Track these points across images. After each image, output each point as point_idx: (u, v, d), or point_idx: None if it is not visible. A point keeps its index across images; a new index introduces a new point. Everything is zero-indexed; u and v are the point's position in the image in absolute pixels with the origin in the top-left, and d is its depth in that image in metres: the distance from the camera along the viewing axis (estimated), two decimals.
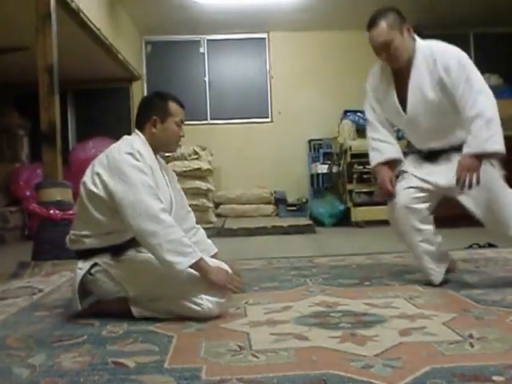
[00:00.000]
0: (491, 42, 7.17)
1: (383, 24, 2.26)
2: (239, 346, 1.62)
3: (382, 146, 2.50)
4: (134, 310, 1.98)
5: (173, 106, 2.15)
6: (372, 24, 2.28)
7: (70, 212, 3.63)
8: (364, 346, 1.58)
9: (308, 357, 1.50)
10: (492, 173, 2.22)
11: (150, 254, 1.95)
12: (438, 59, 2.25)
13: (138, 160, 1.95)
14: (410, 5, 6.26)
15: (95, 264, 2.01)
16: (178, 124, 2.16)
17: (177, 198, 2.20)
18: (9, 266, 3.36)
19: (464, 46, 7.05)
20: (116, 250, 2.02)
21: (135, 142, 2.06)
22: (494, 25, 6.95)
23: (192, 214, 2.36)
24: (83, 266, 2.02)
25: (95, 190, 1.96)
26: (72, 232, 2.07)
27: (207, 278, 1.91)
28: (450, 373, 1.33)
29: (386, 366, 1.39)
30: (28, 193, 5.89)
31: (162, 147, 2.18)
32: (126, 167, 1.92)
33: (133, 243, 2.02)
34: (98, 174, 1.96)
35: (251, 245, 4.76)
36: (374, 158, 2.52)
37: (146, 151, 2.06)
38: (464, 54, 2.26)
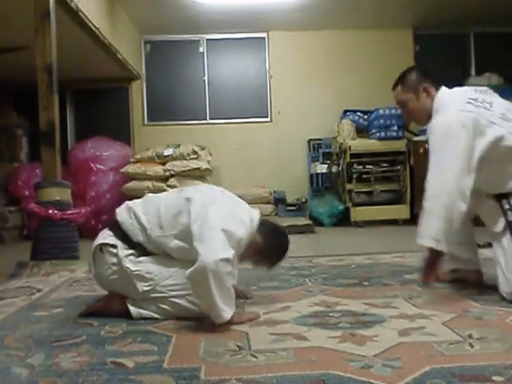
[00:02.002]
0: (491, 42, 7.17)
1: (399, 88, 2.40)
2: (238, 346, 1.61)
3: None
4: (132, 311, 1.98)
5: (273, 260, 2.18)
6: (393, 86, 2.43)
7: (69, 212, 3.63)
8: (363, 346, 1.58)
9: (307, 357, 1.50)
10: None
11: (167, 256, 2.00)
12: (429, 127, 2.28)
13: (241, 232, 1.95)
14: (410, 4, 6.28)
15: (114, 246, 2.01)
16: (260, 265, 2.18)
17: None
18: (7, 265, 3.36)
19: (464, 46, 7.06)
20: (139, 251, 2.03)
21: (254, 221, 2.07)
22: (494, 24, 6.96)
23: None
24: (106, 237, 2.05)
25: (193, 216, 1.93)
26: (136, 209, 2.07)
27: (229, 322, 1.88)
28: (450, 373, 1.33)
29: (386, 366, 1.39)
30: (27, 192, 5.88)
31: (242, 253, 2.08)
32: (231, 221, 1.92)
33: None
34: (210, 209, 1.93)
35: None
36: None
37: (248, 234, 2.03)
38: (442, 128, 2.16)
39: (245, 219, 2.02)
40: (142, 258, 2.02)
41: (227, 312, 1.83)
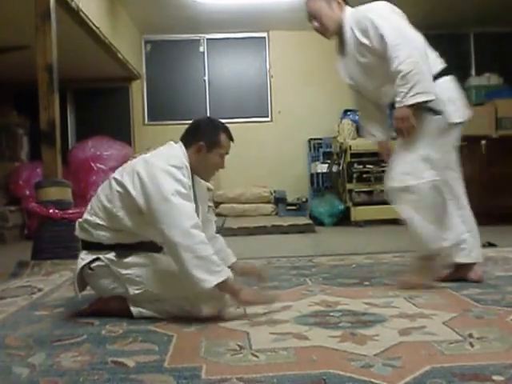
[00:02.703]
0: (491, 42, 7.17)
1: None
2: (239, 346, 1.61)
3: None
4: (133, 310, 1.98)
5: (223, 138, 2.12)
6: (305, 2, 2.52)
7: (70, 211, 3.63)
8: (364, 345, 1.58)
9: (308, 356, 1.50)
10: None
11: (156, 257, 2.00)
12: (356, 25, 2.38)
13: (183, 175, 1.94)
14: (410, 4, 6.26)
15: (97, 259, 2.00)
16: (222, 156, 2.15)
17: (203, 211, 2.18)
18: (8, 265, 3.36)
19: (464, 46, 7.05)
20: (121, 250, 2.01)
21: (182, 156, 2.03)
22: (494, 24, 6.96)
23: (213, 224, 2.36)
24: (85, 258, 2.03)
25: (132, 191, 1.93)
26: (85, 218, 2.07)
27: (236, 298, 1.91)
28: (450, 372, 1.33)
29: (386, 366, 1.39)
30: (27, 192, 5.89)
31: (197, 171, 2.13)
32: (169, 179, 1.90)
33: (139, 246, 2.03)
34: (139, 176, 1.93)
35: (251, 244, 4.75)
36: None
37: (188, 168, 2.03)
38: (379, 11, 2.35)
39: (178, 162, 1.98)
40: (128, 259, 1.99)
41: (208, 281, 1.82)
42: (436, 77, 2.31)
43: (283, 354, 1.52)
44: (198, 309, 1.92)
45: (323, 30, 2.50)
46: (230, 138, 2.16)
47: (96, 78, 6.94)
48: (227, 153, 2.17)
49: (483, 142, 5.61)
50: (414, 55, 2.22)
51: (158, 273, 1.97)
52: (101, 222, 2.01)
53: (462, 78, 6.51)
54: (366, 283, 2.58)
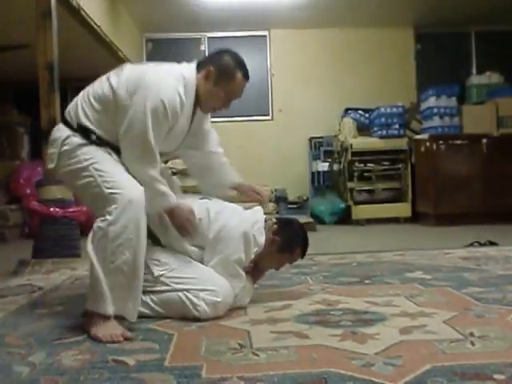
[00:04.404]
0: (492, 41, 7.17)
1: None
2: (240, 344, 1.61)
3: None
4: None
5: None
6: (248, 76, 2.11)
7: (71, 210, 3.63)
8: (365, 344, 1.58)
9: (308, 355, 1.50)
10: None
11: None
12: None
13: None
14: (411, 3, 6.27)
15: None
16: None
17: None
18: (9, 263, 3.36)
19: (465, 44, 7.06)
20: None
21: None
22: (495, 23, 6.95)
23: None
24: None
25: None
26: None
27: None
28: (451, 371, 1.33)
29: (387, 365, 1.39)
30: (28, 190, 5.89)
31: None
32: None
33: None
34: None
35: None
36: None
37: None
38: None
39: (260, 241, 2.10)
40: (154, 247, 2.03)
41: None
42: None
43: (284, 353, 1.52)
44: (197, 306, 1.91)
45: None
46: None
47: (97, 77, 6.88)
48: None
49: (484, 140, 5.61)
50: None
51: (177, 262, 1.99)
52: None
53: (463, 76, 6.56)
54: (367, 282, 2.58)
